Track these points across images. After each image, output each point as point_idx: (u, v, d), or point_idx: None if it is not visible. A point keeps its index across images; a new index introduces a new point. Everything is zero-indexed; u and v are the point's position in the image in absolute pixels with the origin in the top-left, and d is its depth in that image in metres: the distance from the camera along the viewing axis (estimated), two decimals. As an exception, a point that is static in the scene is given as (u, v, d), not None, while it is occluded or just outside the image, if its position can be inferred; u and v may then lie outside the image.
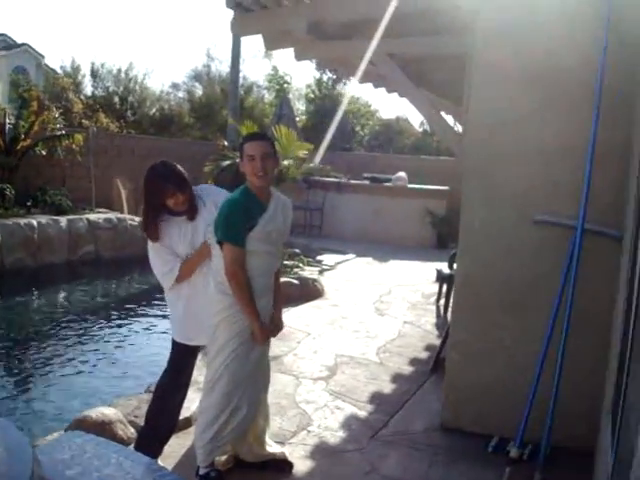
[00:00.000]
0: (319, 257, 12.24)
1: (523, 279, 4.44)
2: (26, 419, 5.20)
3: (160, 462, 3.71)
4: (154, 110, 29.39)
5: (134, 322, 8.53)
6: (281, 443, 4.27)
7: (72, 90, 22.68)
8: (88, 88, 28.93)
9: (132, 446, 3.84)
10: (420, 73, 6.90)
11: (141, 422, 4.30)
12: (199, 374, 4.88)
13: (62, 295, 10.34)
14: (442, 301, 8.53)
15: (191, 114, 29.29)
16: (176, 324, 3.92)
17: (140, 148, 16.67)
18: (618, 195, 4.09)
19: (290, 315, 7.69)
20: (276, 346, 6.13)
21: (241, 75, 24.95)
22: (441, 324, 7.77)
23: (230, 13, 6.66)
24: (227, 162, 14.81)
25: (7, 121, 12.56)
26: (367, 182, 16.44)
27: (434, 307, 8.80)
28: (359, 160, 20.29)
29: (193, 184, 3.97)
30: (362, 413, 4.97)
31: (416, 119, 39.64)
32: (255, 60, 57.61)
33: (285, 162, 12.14)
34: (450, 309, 5.96)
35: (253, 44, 70.74)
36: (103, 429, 3.89)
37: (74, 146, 13.07)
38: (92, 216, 12.45)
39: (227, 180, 14.04)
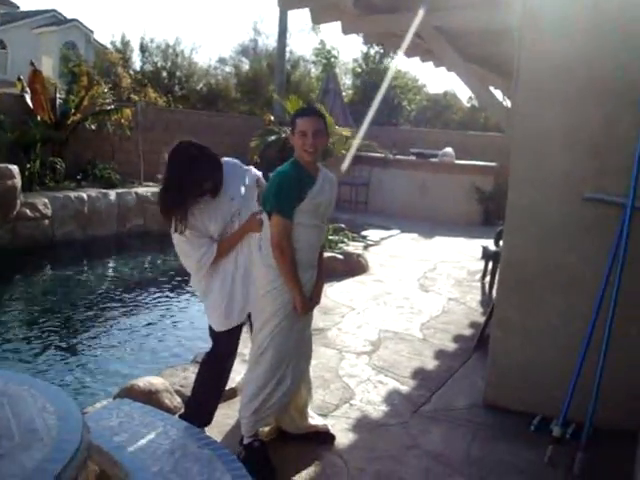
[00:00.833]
0: (364, 232, 12.22)
1: (570, 258, 4.39)
2: (76, 387, 5.35)
3: (205, 431, 3.78)
4: (201, 85, 29.55)
5: (182, 293, 8.66)
6: (324, 416, 4.32)
7: (121, 65, 22.95)
8: (137, 63, 29.25)
9: (178, 415, 3.93)
10: (468, 47, 6.78)
11: (187, 392, 4.40)
12: (244, 346, 4.95)
13: (111, 267, 10.55)
14: (487, 278, 8.47)
15: (238, 89, 29.36)
16: (217, 310, 3.81)
17: (188, 123, 16.77)
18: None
19: (334, 290, 7.73)
20: (320, 320, 6.19)
21: (288, 49, 24.90)
22: (486, 302, 7.73)
23: (277, -13, 6.63)
24: (273, 137, 14.91)
25: (58, 96, 12.77)
26: (413, 157, 16.32)
27: (479, 284, 8.74)
28: (406, 135, 20.11)
29: (242, 160, 3.99)
30: (405, 388, 4.99)
31: (464, 94, 39.11)
32: (302, 34, 57.45)
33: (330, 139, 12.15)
34: (495, 287, 5.91)
35: (300, 18, 70.46)
36: (150, 398, 3.98)
37: (123, 121, 13.22)
38: (140, 190, 12.62)
39: (272, 155, 14.14)
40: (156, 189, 12.78)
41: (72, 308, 7.71)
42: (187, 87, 28.29)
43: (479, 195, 14.91)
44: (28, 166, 11.01)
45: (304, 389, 3.92)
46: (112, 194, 11.82)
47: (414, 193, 15.33)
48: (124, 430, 2.96)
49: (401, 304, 7.45)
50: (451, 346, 6.08)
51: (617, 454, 3.97)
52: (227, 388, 4.53)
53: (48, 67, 24.13)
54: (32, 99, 12.05)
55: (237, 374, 4.72)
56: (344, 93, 22.10)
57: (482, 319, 6.51)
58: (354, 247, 10.22)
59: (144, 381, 4.23)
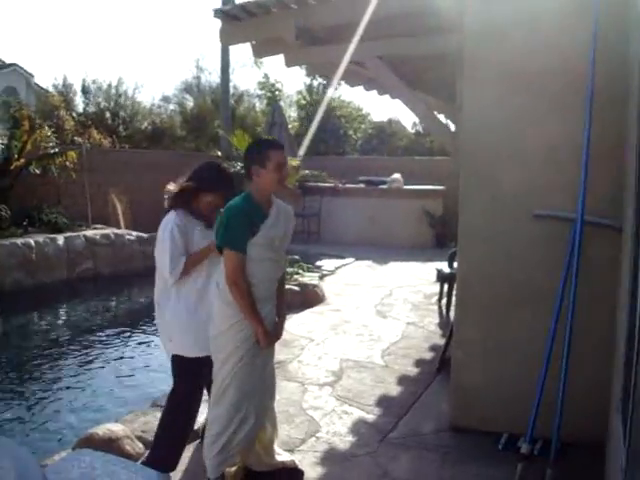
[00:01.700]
0: (318, 262, 12.21)
1: (524, 275, 4.43)
2: (32, 440, 5.16)
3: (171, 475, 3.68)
4: (146, 124, 29.40)
5: (136, 338, 8.49)
6: (290, 451, 4.25)
7: (63, 108, 22.67)
8: (79, 105, 28.94)
9: (140, 461, 3.82)
10: (411, 74, 6.89)
11: (149, 437, 4.28)
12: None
13: (62, 314, 10.30)
14: (444, 300, 8.52)
15: (183, 126, 29.31)
16: (186, 333, 3.82)
17: (134, 162, 16.64)
18: (615, 186, 4.09)
19: (292, 322, 7.67)
20: (280, 353, 6.11)
21: (231, 84, 25.00)
22: (444, 324, 7.76)
23: (218, 23, 6.64)
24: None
25: (0, 142, 12.54)
26: (362, 185, 16.44)
27: (436, 307, 8.78)
28: (353, 164, 20.29)
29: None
30: (370, 417, 4.95)
31: (408, 121, 39.74)
32: (245, 69, 57.58)
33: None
34: (452, 308, 5.94)
35: (242, 53, 70.65)
36: (110, 446, 3.87)
37: (68, 163, 13.05)
38: (89, 232, 12.41)
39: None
40: (105, 231, 12.61)
41: (22, 359, 7.49)
42: (131, 127, 28.11)
43: (429, 219, 15.07)
44: (-28, 215, 10.75)
45: (269, 425, 3.83)
46: (60, 239, 11.58)
47: (365, 221, 15.41)
48: (86, 482, 2.84)
49: (360, 332, 7.43)
50: (413, 371, 6.07)
51: (586, 467, 3.99)
52: (190, 430, 4.44)
53: (-13, 113, 23.70)
54: (-28, 146, 11.81)
55: (200, 415, 4.62)
56: (290, 125, 22.21)
57: (442, 341, 6.53)
58: (309, 278, 10.19)
59: (103, 429, 4.11)
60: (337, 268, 12.02)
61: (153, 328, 8.86)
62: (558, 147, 4.26)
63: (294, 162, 14.56)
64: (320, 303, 8.91)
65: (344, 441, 4.51)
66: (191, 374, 3.86)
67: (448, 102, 8.23)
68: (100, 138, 19.56)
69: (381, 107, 79.38)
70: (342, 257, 13.13)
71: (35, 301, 10.33)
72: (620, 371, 3.29)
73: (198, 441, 4.28)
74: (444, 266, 8.51)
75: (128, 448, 4.03)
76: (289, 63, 6.88)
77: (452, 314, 6.07)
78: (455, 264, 6.42)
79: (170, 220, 3.90)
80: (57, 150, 13.35)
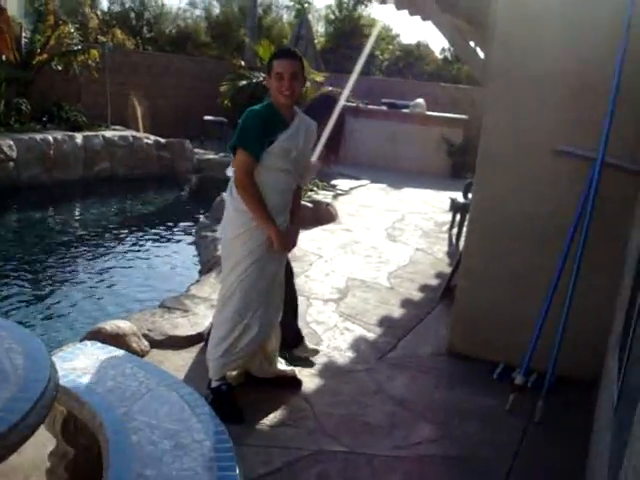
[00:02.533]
0: (334, 182, 12.19)
1: (539, 210, 4.43)
2: (44, 330, 5.32)
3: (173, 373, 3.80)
4: (170, 27, 28.88)
5: (149, 239, 8.61)
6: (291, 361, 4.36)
7: (88, 5, 22.29)
8: (104, 3, 28.43)
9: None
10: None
11: (156, 336, 4.43)
12: (212, 291, 4.95)
13: (77, 211, 10.42)
14: (455, 230, 8.55)
15: (208, 32, 28.76)
16: None
17: (157, 66, 16.46)
18: (638, 130, 4.04)
19: (303, 238, 7.70)
20: (288, 268, 6.19)
21: (260, -7, 24.39)
22: (453, 252, 7.81)
23: None
24: (244, 82, 14.68)
25: (23, 35, 12.40)
26: (384, 108, 16.23)
27: (446, 236, 8.82)
28: (378, 85, 19.93)
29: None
30: (371, 335, 5.05)
31: (437, 45, 38.84)
32: (274, -22, 56.13)
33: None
34: (462, 238, 5.97)
35: (273, -39, 68.67)
36: (117, 341, 3.98)
37: (90, 62, 12.93)
38: (108, 133, 12.40)
39: (243, 100, 13.94)
40: (124, 133, 12.60)
41: (38, 252, 7.63)
42: (156, 29, 27.63)
43: (448, 147, 14.93)
44: (-8, 106, 10.75)
45: (274, 337, 3.93)
46: (79, 137, 11.59)
47: (384, 143, 15.27)
48: (91, 372, 2.95)
49: (369, 253, 7.49)
50: (417, 295, 6.15)
51: (577, 402, 4.09)
52: (194, 332, 4.58)
53: (12, 5, 23.31)
54: (-4, 38, 11.68)
55: (205, 318, 4.74)
56: (316, 40, 21.76)
57: (448, 270, 6.59)
58: (323, 196, 10.21)
59: (111, 324, 4.23)
60: (352, 189, 12.00)
61: (167, 230, 8.99)
62: (590, 84, 4.18)
63: (317, 77, 14.36)
64: (332, 222, 8.95)
65: (343, 356, 4.63)
66: None
67: (480, 29, 8.02)
68: (123, 39, 19.31)
69: (411, 29, 77.42)
70: (358, 178, 13.08)
71: (51, 197, 10.44)
72: (624, 307, 3.33)
73: (202, 344, 4.40)
74: (458, 196, 8.50)
75: (134, 345, 4.15)
76: (320, -25, 6.69)
77: (461, 244, 6.10)
78: (470, 195, 6.42)
79: None
80: (80, 47, 13.22)
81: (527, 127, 4.39)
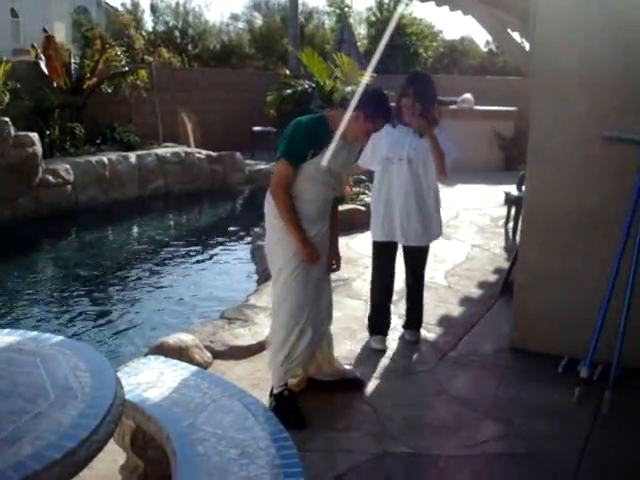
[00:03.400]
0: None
1: (593, 200, 4.35)
2: (109, 346, 5.45)
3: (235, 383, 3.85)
4: (214, 42, 29.29)
5: (208, 252, 8.74)
6: (352, 365, 4.37)
7: (133, 27, 22.78)
8: (148, 24, 29.00)
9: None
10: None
11: (217, 347, 4.49)
12: (271, 300, 4.99)
13: (135, 229, 10.63)
14: (510, 224, 8.43)
15: (252, 44, 29.09)
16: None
17: (203, 81, 16.70)
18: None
19: (356, 241, 7.74)
20: (344, 271, 6.19)
21: (300, 1, 24.52)
22: (510, 247, 7.70)
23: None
24: (289, 91, 14.77)
25: (72, 61, 12.73)
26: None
27: (502, 230, 8.70)
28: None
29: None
30: (431, 335, 5.02)
31: (481, 39, 38.47)
32: (314, -15, 56.41)
33: (348, 88, 12.01)
34: (519, 232, 5.88)
35: (311, -32, 69.05)
36: (180, 354, 4.05)
37: (138, 82, 13.19)
38: (160, 151, 12.63)
39: (289, 109, 14.03)
40: (175, 149, 12.81)
41: (100, 271, 7.82)
42: (200, 45, 28.07)
43: (500, 141, 14.74)
44: (47, 132, 11.05)
45: (325, 345, 3.97)
46: (132, 156, 11.84)
47: (434, 141, 15.13)
48: (156, 386, 3.02)
49: (425, 253, 7.42)
50: (476, 292, 6.09)
51: (645, 392, 3.99)
52: (255, 341, 4.64)
53: (61, 33, 24.01)
54: (47, 65, 12.02)
55: (265, 328, 4.79)
56: (359, 43, 21.77)
57: (506, 265, 6.50)
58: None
59: (174, 338, 4.31)
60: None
61: (224, 242, 9.11)
62: (634, 67, 4.09)
63: (363, 77, 14.35)
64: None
65: (405, 357, 4.62)
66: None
67: (522, 19, 7.92)
68: (169, 57, 19.67)
69: (454, 24, 76.77)
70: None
71: (109, 217, 10.69)
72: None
73: (263, 352, 4.45)
74: (512, 189, 8.39)
75: (197, 357, 4.22)
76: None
77: (518, 238, 6.01)
78: (524, 187, 6.33)
79: None
80: (128, 69, 13.50)
81: (574, 117, 4.32)
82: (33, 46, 12.64)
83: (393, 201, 4.55)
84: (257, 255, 7.49)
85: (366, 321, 4.89)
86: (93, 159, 11.06)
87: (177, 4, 28.90)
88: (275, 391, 3.76)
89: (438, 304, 5.71)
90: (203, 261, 8.31)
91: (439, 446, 3.49)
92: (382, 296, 4.82)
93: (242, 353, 4.55)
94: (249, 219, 10.25)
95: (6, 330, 2.70)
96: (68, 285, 7.17)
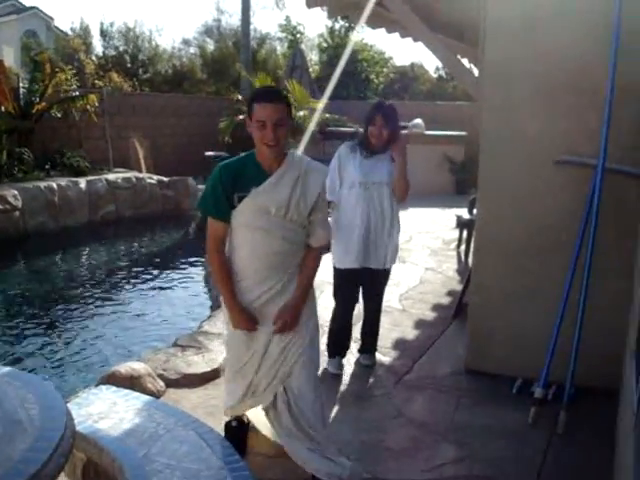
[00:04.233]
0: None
1: (544, 222, 4.42)
2: (58, 377, 5.32)
3: (190, 412, 3.78)
4: (166, 67, 29.19)
5: (158, 278, 8.62)
6: (308, 391, 4.32)
7: (83, 51, 22.56)
8: (98, 48, 28.74)
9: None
10: (434, 15, 6.75)
11: (170, 375, 4.40)
12: (224, 327, 4.94)
13: (85, 256, 10.46)
14: (463, 247, 8.53)
15: (204, 69, 29.05)
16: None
17: (154, 106, 16.61)
18: (637, 134, 4.04)
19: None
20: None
21: (252, 27, 24.66)
22: (462, 270, 7.78)
23: (238, -37, 6.56)
24: (242, 117, 14.78)
25: (21, 85, 12.55)
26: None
27: (455, 253, 8.80)
28: (375, 109, 20.07)
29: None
30: (386, 359, 5.02)
31: (431, 65, 39.18)
32: (265, 12, 56.89)
33: (300, 113, 12.07)
34: (471, 254, 5.95)
35: (263, -5, 69.63)
36: (132, 383, 3.97)
37: (89, 107, 13.07)
38: (111, 176, 12.49)
39: (243, 134, 14.03)
40: (126, 175, 12.67)
41: (48, 299, 7.64)
42: (151, 70, 27.92)
43: (450, 165, 14.96)
44: (-5, 157, 10.83)
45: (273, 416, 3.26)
46: (82, 182, 11.68)
47: (386, 166, 15.29)
48: (109, 416, 2.94)
49: (379, 277, 7.45)
50: (430, 315, 6.12)
51: (599, 412, 4.03)
52: (210, 369, 4.57)
53: (9, 57, 23.65)
54: (-6, 90, 11.82)
55: (219, 354, 4.73)
56: (311, 69, 21.94)
57: (459, 287, 6.55)
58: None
59: (125, 367, 4.21)
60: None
61: (176, 268, 8.99)
62: (583, 91, 4.19)
63: (315, 105, 14.46)
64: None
65: (361, 381, 4.60)
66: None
67: (472, 46, 8.08)
68: (120, 81, 19.49)
69: (404, 51, 78.13)
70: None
71: (59, 244, 10.48)
72: (636, 316, 3.30)
73: (218, 379, 4.39)
74: (464, 212, 8.50)
75: (149, 386, 4.13)
76: (310, 4, 6.78)
77: (470, 260, 6.08)
78: (475, 210, 6.41)
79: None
80: (78, 93, 13.36)
81: (524, 141, 4.40)
82: (-20, 70, 12.42)
83: (356, 226, 4.50)
84: (210, 281, 7.41)
85: (323, 346, 4.85)
86: (42, 184, 10.87)
87: (127, 29, 28.73)
88: (225, 420, 3.63)
89: (393, 327, 5.71)
90: (155, 288, 8.20)
91: (398, 470, 3.47)
92: (345, 321, 4.78)
93: (196, 381, 4.48)
94: (202, 244, 10.16)
95: (-50, 362, 2.61)
96: (15, 314, 6.98)
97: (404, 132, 15.52)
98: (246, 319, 3.08)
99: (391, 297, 6.60)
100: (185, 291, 7.98)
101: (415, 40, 7.68)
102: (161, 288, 8.18)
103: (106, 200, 12.08)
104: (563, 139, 4.29)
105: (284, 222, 3.05)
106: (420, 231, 10.42)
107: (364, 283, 4.75)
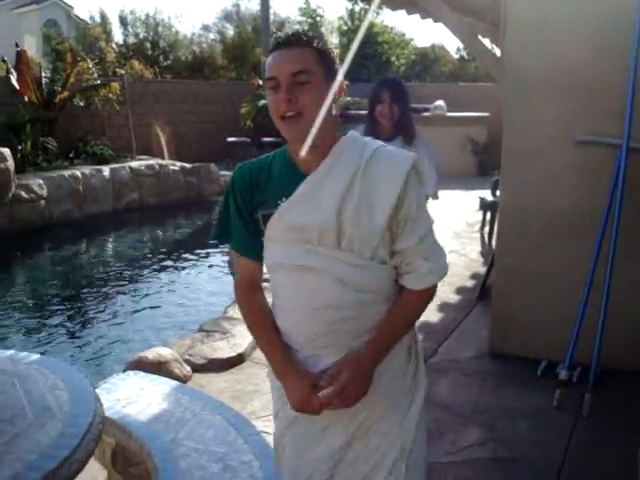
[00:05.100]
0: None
1: (567, 203, 4.38)
2: (86, 364, 5.39)
3: (216, 396, 3.83)
4: (186, 54, 29.22)
5: (184, 265, 8.69)
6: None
7: (104, 39, 22.66)
8: (118, 36, 28.85)
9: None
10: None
11: (196, 360, 4.45)
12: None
13: (110, 243, 10.54)
14: (486, 229, 8.49)
15: (224, 55, 29.04)
16: None
17: (176, 93, 16.64)
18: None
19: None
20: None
21: (272, 12, 24.59)
22: (486, 252, 7.75)
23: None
24: (263, 102, 14.79)
25: (43, 75, 12.64)
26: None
27: (478, 235, 8.76)
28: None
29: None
30: (411, 343, 5.02)
31: (452, 46, 38.80)
32: (285, -5, 56.53)
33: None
34: (494, 236, 5.93)
35: (282, -21, 69.41)
36: (159, 368, 4.02)
37: (111, 95, 13.14)
38: (134, 164, 12.55)
39: (264, 118, 14.04)
40: (149, 162, 12.74)
41: (75, 287, 7.73)
42: (172, 57, 27.97)
43: (473, 146, 14.86)
44: (19, 148, 10.92)
45: None
46: (106, 170, 11.75)
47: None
48: (136, 401, 2.99)
49: (402, 260, 7.45)
50: (454, 298, 6.11)
51: (624, 394, 4.02)
52: (235, 353, 4.61)
53: (31, 47, 23.82)
54: (18, 80, 11.91)
55: (244, 339, 4.77)
56: (331, 52, 21.79)
57: (483, 270, 6.54)
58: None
59: (152, 352, 4.27)
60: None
61: (200, 254, 9.05)
62: (604, 72, 4.14)
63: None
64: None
65: (385, 366, 4.61)
66: None
67: (493, 26, 7.99)
68: (141, 69, 19.55)
69: (425, 32, 77.46)
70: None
71: (84, 232, 10.58)
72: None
73: (243, 364, 4.42)
74: (487, 194, 8.45)
75: (176, 371, 4.18)
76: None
77: (494, 243, 6.05)
78: (498, 192, 6.37)
79: None
80: (100, 82, 13.43)
81: (545, 121, 4.36)
82: (4, 60, 12.52)
83: None
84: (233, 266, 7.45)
85: None
86: (66, 173, 10.96)
87: (147, 16, 28.77)
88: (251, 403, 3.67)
89: (417, 311, 5.70)
90: (179, 274, 8.26)
91: (422, 453, 3.48)
92: None
93: (222, 366, 4.52)
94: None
95: (-19, 350, 2.65)
96: (43, 302, 7.09)
97: (424, 114, 15.47)
98: (308, 394, 1.79)
99: (414, 280, 6.59)
100: (208, 277, 8.04)
101: (435, 21, 7.62)
102: (185, 274, 8.24)
103: (130, 188, 12.14)
104: (585, 119, 4.24)
105: (338, 254, 1.78)
106: (443, 213, 10.38)
107: None
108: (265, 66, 1.80)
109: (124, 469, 2.89)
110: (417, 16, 8.62)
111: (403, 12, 8.41)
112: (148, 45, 27.81)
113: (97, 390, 2.57)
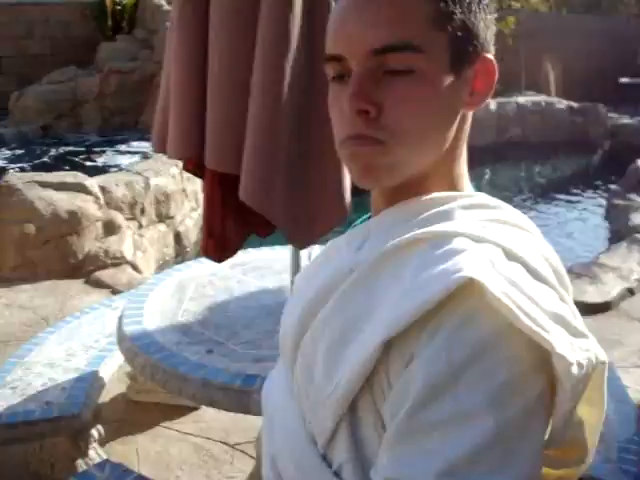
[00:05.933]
0: None
1: None
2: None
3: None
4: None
5: (556, 204, 8.72)
6: None
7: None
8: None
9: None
10: None
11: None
12: (622, 261, 4.96)
13: (487, 175, 10.86)
14: None
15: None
16: None
17: (567, 28, 16.08)
18: None
19: None
20: None
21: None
22: None
23: None
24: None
25: None
26: None
27: None
28: None
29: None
30: None
31: None
32: None
33: None
34: None
35: None
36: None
37: (505, 31, 13.25)
38: (521, 99, 12.59)
39: None
40: (536, 98, 12.73)
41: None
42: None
43: None
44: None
45: None
46: (492, 103, 11.97)
47: None
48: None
49: None
50: None
51: None
52: (601, 300, 4.66)
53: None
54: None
55: (613, 288, 4.79)
56: None
57: None
58: None
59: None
60: None
61: (576, 196, 8.99)
62: None
63: None
64: None
65: None
66: None
67: None
68: (536, 2, 19.17)
69: None
70: None
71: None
72: None
73: (609, 312, 4.48)
74: None
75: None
76: None
77: None
78: None
79: None
80: (496, 15, 13.62)
81: None
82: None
83: None
84: (612, 213, 7.29)
85: None
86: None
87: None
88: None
89: None
90: (552, 214, 8.31)
91: None
92: None
93: (584, 310, 4.60)
94: (606, 175, 9.91)
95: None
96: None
97: None
98: None
99: None
100: (583, 222, 7.96)
101: None
102: (558, 215, 8.26)
103: (514, 123, 12.25)
104: None
105: (297, 381, 0.88)
106: None
107: None
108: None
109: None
110: None
111: None
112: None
113: None
